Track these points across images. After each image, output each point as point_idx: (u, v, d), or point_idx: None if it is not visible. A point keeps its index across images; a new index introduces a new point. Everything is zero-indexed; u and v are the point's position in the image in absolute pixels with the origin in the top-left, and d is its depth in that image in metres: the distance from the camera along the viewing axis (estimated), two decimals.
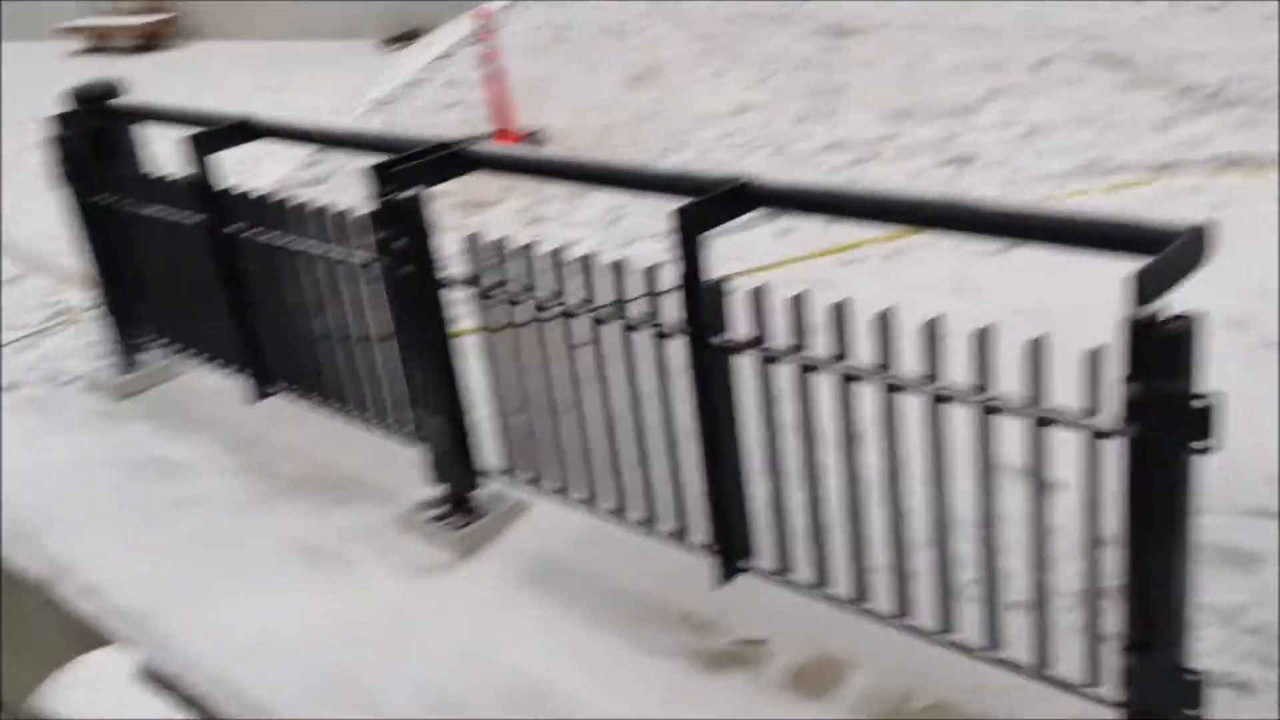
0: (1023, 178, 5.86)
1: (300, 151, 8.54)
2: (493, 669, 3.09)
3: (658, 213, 6.64)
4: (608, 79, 9.76)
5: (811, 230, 5.74)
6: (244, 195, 3.95)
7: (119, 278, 4.81)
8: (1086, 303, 4.04)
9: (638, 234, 6.18)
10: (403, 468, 3.95)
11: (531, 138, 8.11)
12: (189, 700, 3.24)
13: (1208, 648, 2.71)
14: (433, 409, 3.51)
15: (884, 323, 2.46)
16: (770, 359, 2.71)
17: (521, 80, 9.73)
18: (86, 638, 3.57)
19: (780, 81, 8.73)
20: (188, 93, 8.87)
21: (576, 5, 12.78)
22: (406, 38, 13.77)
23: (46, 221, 6.93)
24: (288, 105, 10.56)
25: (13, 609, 4.03)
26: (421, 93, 10.08)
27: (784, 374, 2.71)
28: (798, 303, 2.60)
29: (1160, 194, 5.35)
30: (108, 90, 4.76)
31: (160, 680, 3.33)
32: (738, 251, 5.26)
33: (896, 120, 7.23)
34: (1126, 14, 9.30)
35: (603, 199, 6.77)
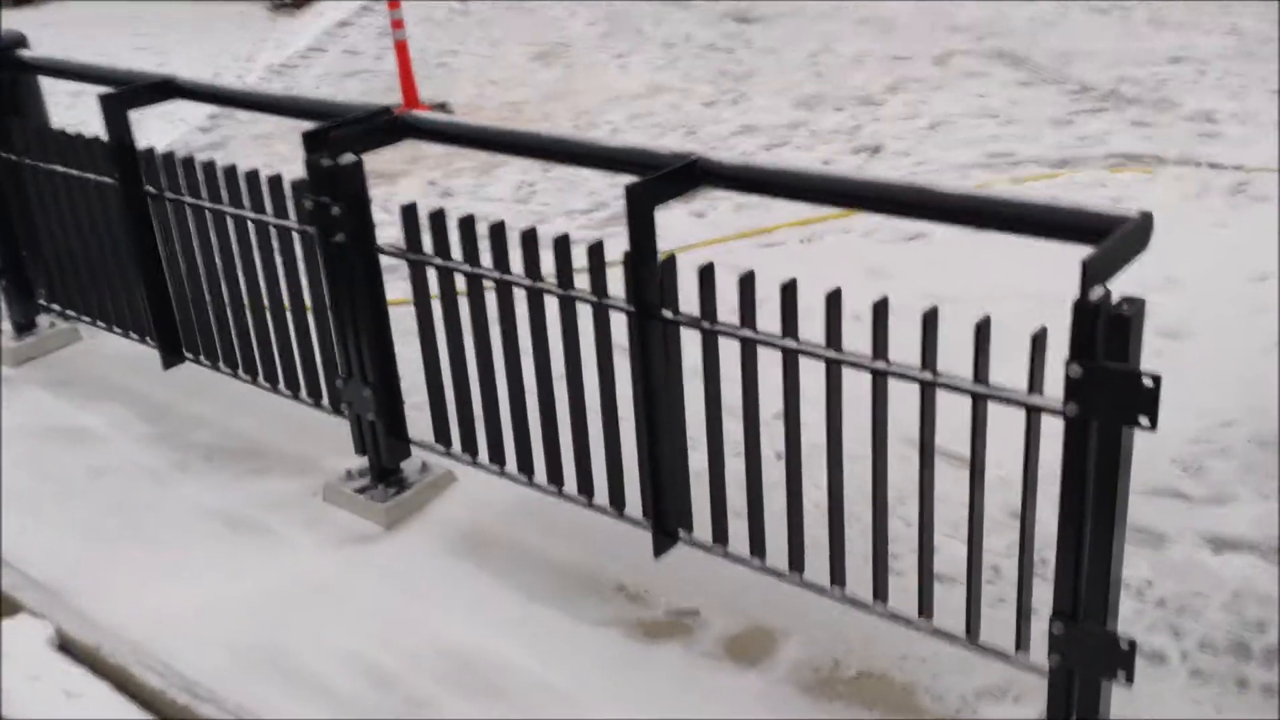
0: (930, 168, 6.02)
1: (194, 115, 8.32)
2: (426, 639, 3.09)
3: (569, 189, 6.67)
4: (512, 54, 9.71)
5: (726, 213, 5.83)
6: (166, 157, 3.84)
7: (16, 238, 4.64)
8: (991, 287, 4.23)
9: (549, 211, 6.18)
10: (320, 437, 3.92)
11: (438, 110, 8.03)
12: (106, 671, 3.17)
13: (1119, 619, 2.86)
14: (363, 379, 3.48)
15: (834, 302, 2.53)
16: (717, 333, 2.76)
17: (424, 52, 9.63)
18: None
19: (687, 64, 8.80)
20: (61, 50, 8.57)
21: None
22: (296, 3, 13.46)
23: None
24: (173, 68, 10.27)
25: None
26: (321, 60, 9.90)
27: (728, 349, 2.77)
28: (747, 281, 2.65)
29: (1064, 188, 5.56)
30: (13, 41, 4.58)
31: (76, 651, 3.25)
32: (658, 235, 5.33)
33: (805, 107, 7.35)
34: (1019, 11, 9.61)
35: (513, 175, 6.75)
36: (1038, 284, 3.97)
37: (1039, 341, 2.26)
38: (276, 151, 7.42)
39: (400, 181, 6.73)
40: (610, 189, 6.45)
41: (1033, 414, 2.30)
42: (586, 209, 6.15)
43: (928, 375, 2.42)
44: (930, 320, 2.38)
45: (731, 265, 2.81)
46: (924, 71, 7.91)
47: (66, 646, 3.27)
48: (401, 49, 7.90)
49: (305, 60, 9.85)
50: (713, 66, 8.65)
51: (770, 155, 6.53)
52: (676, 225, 5.71)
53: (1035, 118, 6.74)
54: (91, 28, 12.74)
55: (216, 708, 2.91)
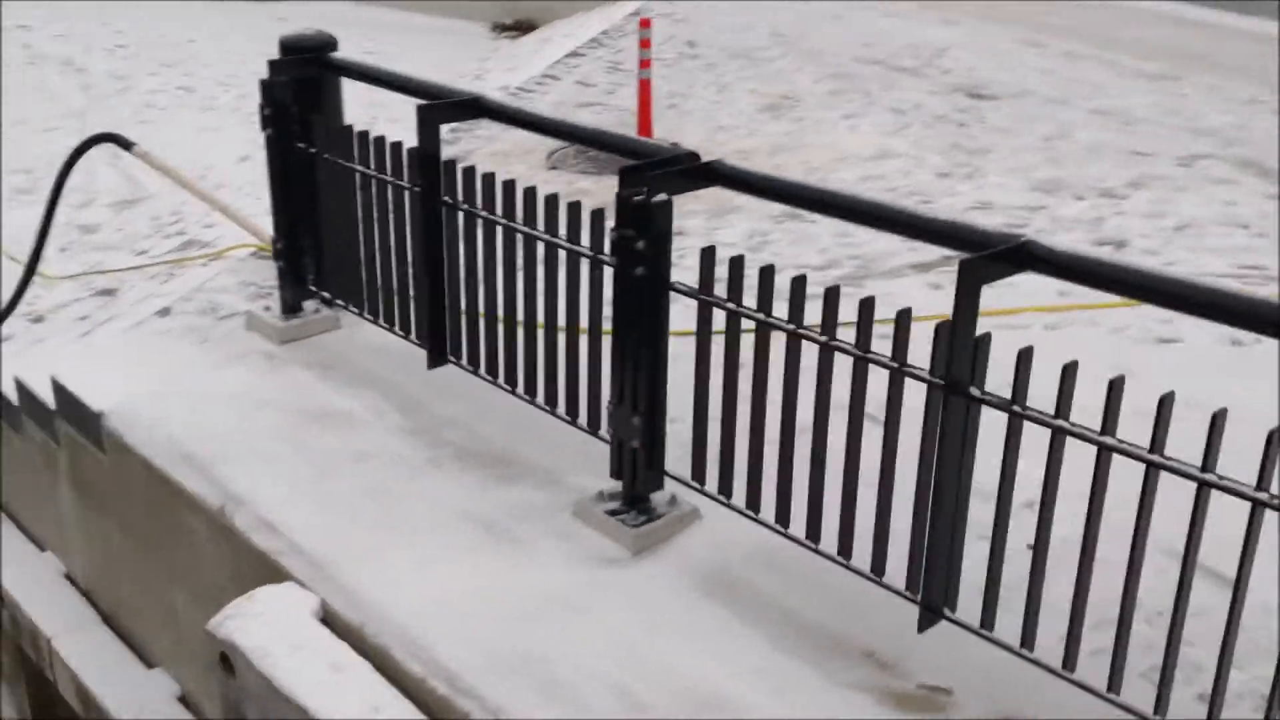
0: (1179, 272, 5.86)
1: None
2: (675, 673, 3.14)
3: (802, 241, 6.68)
4: (740, 102, 9.83)
5: None
6: (467, 171, 4.03)
7: (299, 225, 4.89)
8: (1245, 399, 4.09)
9: (780, 263, 6.21)
10: (564, 453, 4.02)
11: None
12: (368, 651, 3.30)
13: None
14: (634, 407, 3.57)
15: (1165, 406, 2.51)
16: (1025, 418, 2.76)
17: (654, 91, 9.82)
18: (262, 571, 3.65)
19: (918, 133, 8.79)
20: None
21: (704, 25, 12.91)
22: (517, 27, 13.93)
23: None
24: None
25: (182, 533, 4.10)
26: (555, 88, 10.18)
27: (1034, 435, 2.77)
28: (1070, 371, 2.65)
29: None
30: (323, 43, 4.87)
31: (338, 626, 3.40)
32: (890, 301, 5.33)
33: (1043, 191, 7.27)
34: (1263, 120, 9.32)
35: (745, 222, 6.83)
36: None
37: None
38: (514, 170, 7.64)
39: None
40: (842, 247, 6.47)
41: None
42: (819, 265, 6.17)
43: (1262, 495, 2.38)
44: (1275, 439, 2.35)
45: None
46: (1168, 171, 7.74)
47: (329, 620, 3.43)
48: (645, 87, 8.10)
49: (541, 86, 10.15)
50: (944, 138, 8.62)
51: None
52: (912, 295, 5.70)
53: None
54: (324, 27, 13.39)
55: (478, 705, 3.01)
